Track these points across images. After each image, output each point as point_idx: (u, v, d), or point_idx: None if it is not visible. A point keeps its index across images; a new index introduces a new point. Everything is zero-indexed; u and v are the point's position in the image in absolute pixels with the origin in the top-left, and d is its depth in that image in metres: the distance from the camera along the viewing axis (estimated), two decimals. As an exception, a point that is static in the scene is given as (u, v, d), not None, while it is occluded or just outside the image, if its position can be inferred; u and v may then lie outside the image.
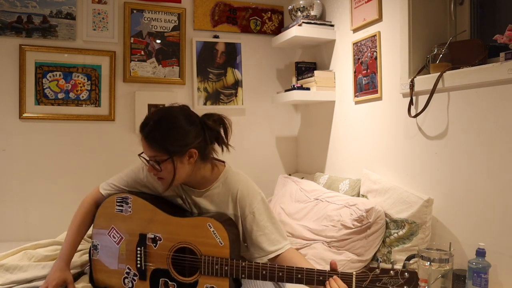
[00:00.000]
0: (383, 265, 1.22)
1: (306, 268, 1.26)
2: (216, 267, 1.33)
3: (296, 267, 1.28)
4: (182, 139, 1.34)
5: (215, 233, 1.36)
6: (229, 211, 1.47)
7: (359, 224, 1.81)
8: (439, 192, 1.82)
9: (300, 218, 2.14)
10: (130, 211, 1.48)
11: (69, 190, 2.52)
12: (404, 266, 1.28)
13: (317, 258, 1.82)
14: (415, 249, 1.72)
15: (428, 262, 1.55)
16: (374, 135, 2.23)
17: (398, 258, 1.78)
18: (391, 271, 1.19)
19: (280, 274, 1.28)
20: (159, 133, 1.33)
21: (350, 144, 2.45)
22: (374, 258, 1.90)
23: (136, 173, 1.54)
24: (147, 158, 1.39)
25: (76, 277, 1.54)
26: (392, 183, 1.98)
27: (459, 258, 1.68)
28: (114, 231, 1.49)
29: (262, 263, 1.32)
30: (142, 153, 1.41)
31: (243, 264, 1.32)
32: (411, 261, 1.71)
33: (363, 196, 2.09)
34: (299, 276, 1.26)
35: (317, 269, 1.25)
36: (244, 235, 1.46)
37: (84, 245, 1.72)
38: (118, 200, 1.50)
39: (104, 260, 1.48)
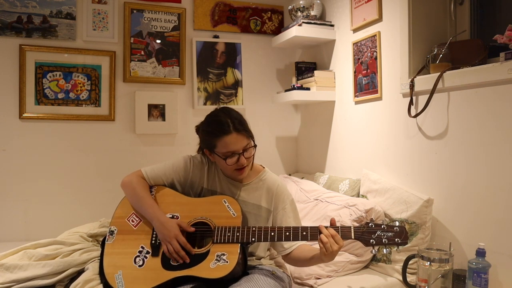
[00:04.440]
0: (376, 222, 1.41)
1: (310, 227, 1.41)
2: (228, 234, 1.44)
3: (301, 226, 1.43)
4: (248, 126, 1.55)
5: (229, 207, 1.50)
6: (263, 204, 1.59)
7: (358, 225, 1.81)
8: (439, 192, 1.82)
9: (300, 219, 2.13)
10: (153, 198, 1.58)
11: (69, 190, 2.52)
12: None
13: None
14: (415, 249, 1.72)
15: (428, 262, 1.55)
16: (374, 135, 2.23)
17: (398, 258, 1.78)
18: (383, 225, 1.38)
19: (287, 233, 1.42)
20: (244, 124, 1.51)
21: (350, 144, 2.45)
22: (374, 258, 1.90)
23: (181, 165, 1.62)
24: (240, 153, 1.48)
25: (76, 275, 1.54)
26: (392, 183, 1.98)
27: (459, 258, 1.68)
28: (134, 216, 1.57)
29: (270, 226, 1.47)
30: (229, 156, 1.48)
31: (253, 228, 1.44)
32: (411, 261, 1.71)
33: (363, 196, 2.09)
34: (304, 233, 1.40)
35: (318, 227, 1.39)
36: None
37: (84, 243, 1.72)
38: None
39: (119, 243, 1.52)
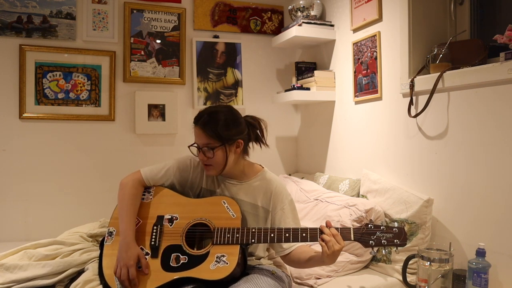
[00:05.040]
0: (375, 223, 1.41)
1: (309, 228, 1.41)
2: (228, 235, 1.44)
3: (300, 228, 1.43)
4: (233, 129, 1.52)
5: (228, 208, 1.50)
6: (259, 203, 1.58)
7: (358, 225, 1.81)
8: (439, 192, 1.82)
9: (300, 219, 2.13)
10: (151, 198, 1.58)
11: (69, 190, 2.52)
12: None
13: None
14: (415, 249, 1.72)
15: (428, 262, 1.55)
16: (374, 135, 2.23)
17: (398, 258, 1.78)
18: (382, 227, 1.38)
19: (287, 235, 1.42)
20: (214, 123, 1.49)
21: (350, 144, 2.45)
22: (374, 258, 1.90)
23: (181, 165, 1.62)
24: (199, 147, 1.52)
25: (76, 276, 1.54)
26: (392, 183, 1.98)
27: (459, 258, 1.68)
28: None
29: (270, 228, 1.47)
30: (192, 144, 1.54)
31: (253, 229, 1.44)
32: (411, 261, 1.71)
33: (363, 196, 2.09)
34: (304, 234, 1.41)
35: (319, 228, 1.39)
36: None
37: (84, 244, 1.72)
38: None
39: (118, 244, 1.50)
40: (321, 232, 1.37)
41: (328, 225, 1.39)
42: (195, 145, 1.54)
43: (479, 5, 1.93)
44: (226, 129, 1.50)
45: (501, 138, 1.57)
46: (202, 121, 1.50)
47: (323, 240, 1.34)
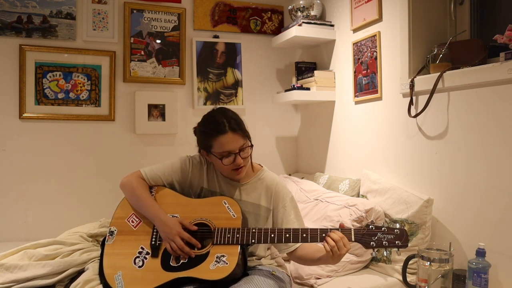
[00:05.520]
0: (377, 224, 1.41)
1: (310, 228, 1.40)
2: (228, 235, 1.43)
3: (301, 228, 1.41)
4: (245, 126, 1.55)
5: (229, 208, 1.50)
6: (262, 203, 1.59)
7: (358, 225, 1.81)
8: (439, 192, 1.82)
9: (302, 216, 2.13)
10: (153, 198, 1.58)
11: (69, 190, 2.52)
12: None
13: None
14: (415, 249, 1.72)
15: (428, 262, 1.56)
16: (374, 135, 2.23)
17: (398, 258, 1.78)
18: (383, 228, 1.36)
19: (287, 235, 1.40)
20: (240, 124, 1.51)
21: (350, 144, 2.45)
22: (374, 258, 1.90)
23: (180, 165, 1.62)
24: (236, 152, 1.48)
25: (76, 275, 1.54)
26: (392, 183, 1.98)
27: (459, 258, 1.68)
28: (134, 217, 1.57)
29: (270, 228, 1.46)
30: (224, 157, 1.48)
31: (253, 229, 1.43)
32: (411, 261, 1.71)
33: (363, 196, 2.09)
34: (304, 235, 1.39)
35: (320, 228, 1.39)
36: (274, 227, 1.58)
37: (84, 244, 1.72)
38: None
39: (118, 244, 1.51)
40: (322, 232, 1.37)
41: (341, 227, 1.38)
42: (231, 154, 1.47)
43: (479, 5, 1.93)
44: (245, 127, 1.54)
45: (501, 138, 1.57)
46: (232, 125, 1.48)
47: (328, 243, 1.33)
